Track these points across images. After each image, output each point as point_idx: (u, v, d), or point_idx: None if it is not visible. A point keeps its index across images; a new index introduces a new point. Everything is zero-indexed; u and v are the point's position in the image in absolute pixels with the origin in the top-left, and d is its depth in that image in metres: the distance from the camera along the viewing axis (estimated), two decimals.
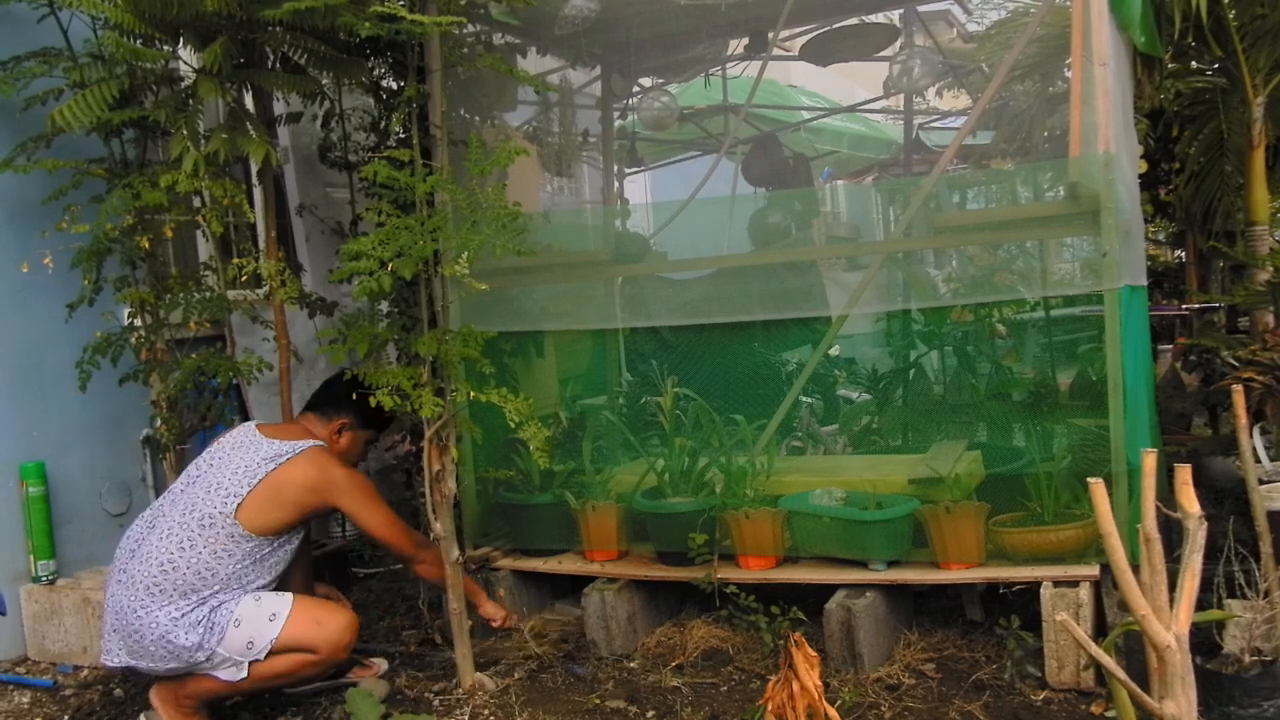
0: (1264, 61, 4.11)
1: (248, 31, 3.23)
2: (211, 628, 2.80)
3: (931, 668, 3.03)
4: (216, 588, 2.84)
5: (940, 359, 4.36)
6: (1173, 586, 1.91)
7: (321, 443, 3.10)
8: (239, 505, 2.88)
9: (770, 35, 4.86)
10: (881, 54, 5.69)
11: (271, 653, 2.82)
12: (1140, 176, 4.02)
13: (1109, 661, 1.91)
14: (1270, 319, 4.08)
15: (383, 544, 3.16)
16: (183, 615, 2.80)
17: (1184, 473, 1.96)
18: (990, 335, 4.45)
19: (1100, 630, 2.89)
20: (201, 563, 2.83)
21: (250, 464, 2.95)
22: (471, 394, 3.04)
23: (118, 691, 3.32)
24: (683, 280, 4.06)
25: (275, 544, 2.95)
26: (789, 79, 9.44)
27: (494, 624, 3.36)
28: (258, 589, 2.91)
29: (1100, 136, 2.90)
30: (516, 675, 3.23)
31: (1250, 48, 4.10)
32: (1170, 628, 1.87)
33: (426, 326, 3.12)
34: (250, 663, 2.81)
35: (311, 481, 2.98)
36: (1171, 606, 1.89)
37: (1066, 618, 1.96)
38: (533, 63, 4.84)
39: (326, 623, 2.90)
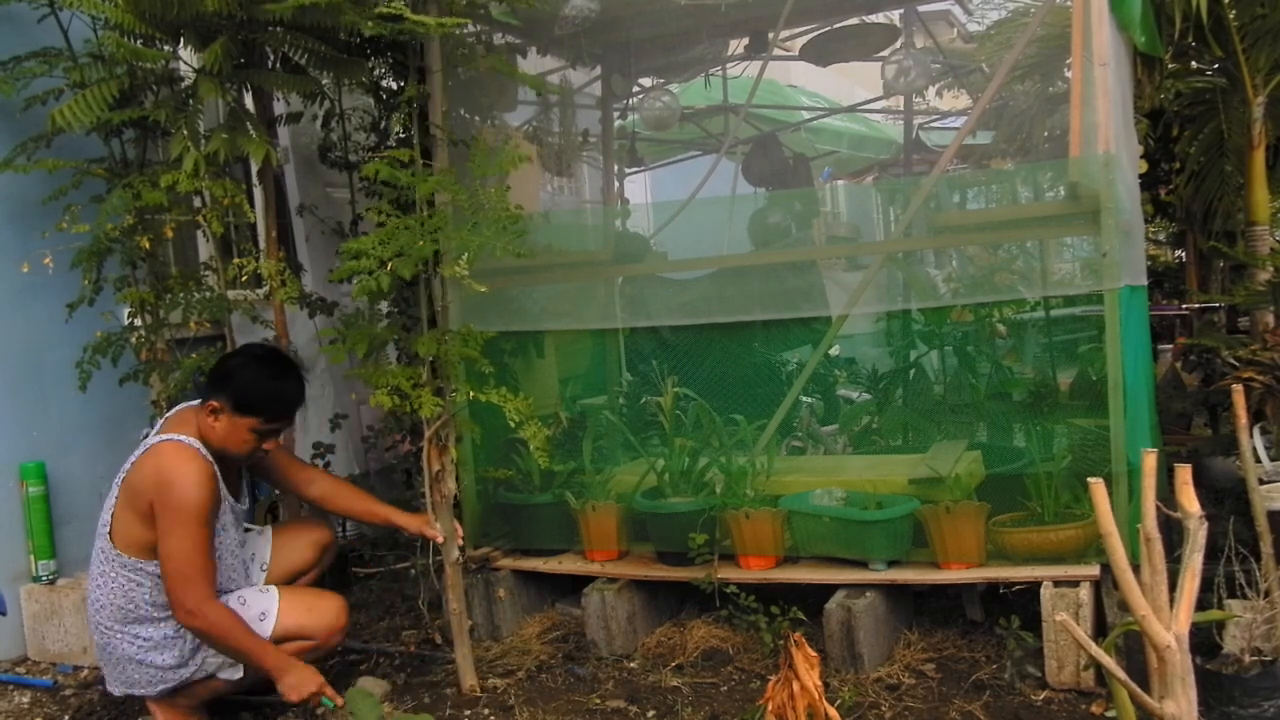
0: (1264, 61, 4.11)
1: (248, 31, 3.23)
2: (190, 638, 2.75)
3: (931, 668, 3.03)
4: (156, 612, 2.74)
5: (940, 359, 4.36)
6: (1173, 586, 1.91)
7: (178, 437, 2.75)
8: (110, 530, 2.73)
9: (770, 35, 4.86)
10: (882, 54, 5.69)
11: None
12: (1140, 176, 4.02)
13: (1109, 661, 1.91)
14: (1270, 319, 4.08)
15: (164, 570, 2.65)
16: (147, 639, 2.73)
17: (1184, 473, 1.96)
18: (990, 335, 4.45)
19: (1100, 630, 2.89)
20: (120, 593, 2.74)
21: (117, 480, 2.78)
22: (471, 394, 3.05)
23: None
24: (683, 280, 4.06)
25: None
26: (789, 79, 9.45)
27: (288, 698, 2.75)
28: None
29: (1100, 136, 2.90)
30: (517, 675, 3.23)
31: (1250, 48, 4.10)
32: (1170, 628, 1.86)
33: (426, 326, 3.12)
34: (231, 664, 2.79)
35: (152, 480, 2.67)
36: (1171, 606, 1.89)
37: (1066, 618, 1.96)
38: (533, 63, 4.84)
39: (318, 609, 2.92)
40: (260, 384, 2.77)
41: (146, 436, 2.89)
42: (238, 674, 2.80)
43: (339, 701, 2.77)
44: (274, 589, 2.93)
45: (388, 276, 2.73)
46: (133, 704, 3.18)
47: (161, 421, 2.92)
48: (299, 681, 2.73)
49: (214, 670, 2.80)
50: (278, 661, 2.75)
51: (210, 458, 2.77)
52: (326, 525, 3.32)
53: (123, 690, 2.83)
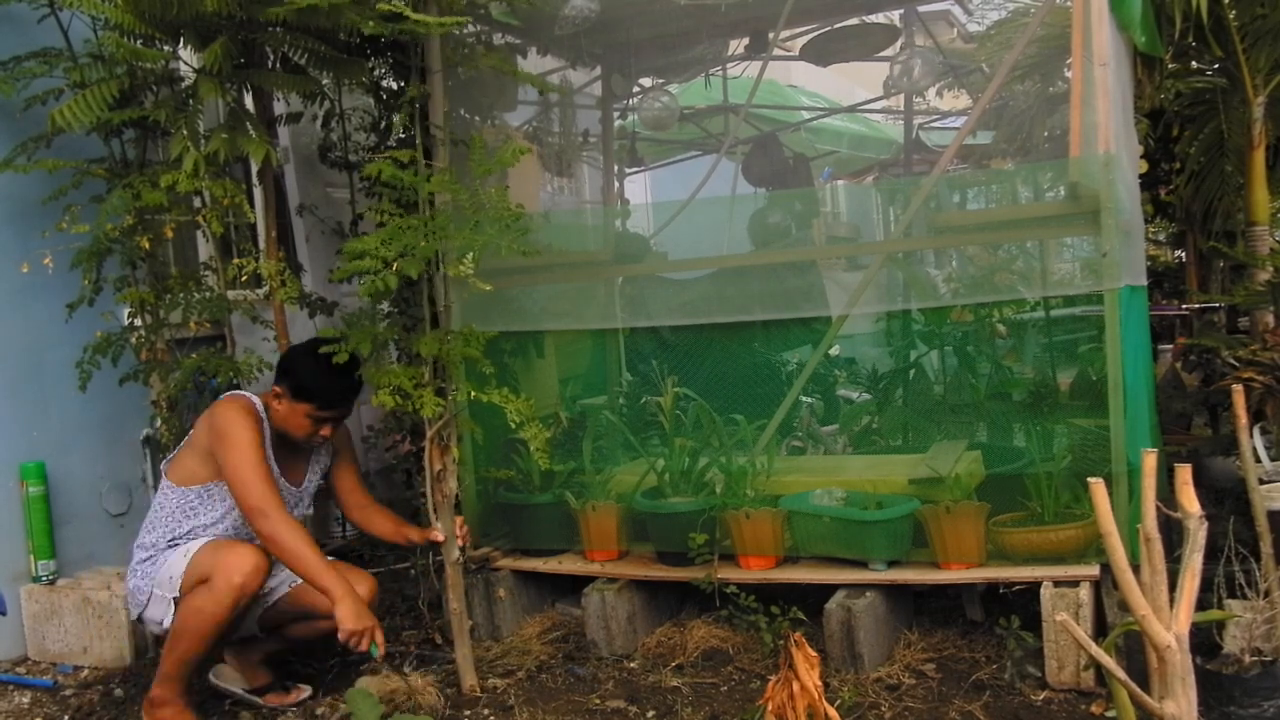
0: (1264, 61, 4.11)
1: (248, 31, 3.23)
2: (152, 566, 2.99)
3: (931, 668, 3.04)
4: (160, 538, 3.01)
5: (940, 359, 4.37)
6: (1173, 586, 1.91)
7: (242, 392, 3.12)
8: (169, 462, 3.11)
9: (770, 35, 4.86)
10: (882, 54, 5.69)
11: (187, 588, 2.89)
12: (1140, 176, 4.02)
13: (1109, 661, 1.91)
14: (1270, 319, 4.08)
15: (233, 492, 2.90)
16: (138, 563, 3.04)
17: (1184, 472, 1.96)
18: (990, 335, 4.45)
19: (1100, 630, 2.89)
20: (152, 514, 3.08)
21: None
22: (473, 394, 3.05)
23: (118, 692, 3.32)
24: (683, 280, 4.06)
25: (201, 497, 3.03)
26: (789, 79, 9.45)
27: (350, 638, 2.73)
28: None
29: (1100, 136, 2.90)
30: (517, 675, 3.23)
31: (1250, 48, 4.10)
32: (1170, 628, 1.87)
33: (428, 326, 3.12)
34: (173, 600, 2.91)
35: (207, 420, 3.02)
36: (1171, 606, 1.89)
37: (1066, 618, 1.96)
38: (533, 63, 4.84)
39: (225, 552, 2.87)
40: (313, 375, 3.01)
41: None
42: (169, 613, 2.90)
43: (383, 651, 2.79)
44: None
45: (394, 277, 2.75)
46: (132, 704, 3.19)
47: None
48: (358, 611, 2.75)
49: (156, 606, 2.95)
50: (337, 585, 2.76)
51: (265, 416, 3.07)
52: (372, 585, 3.11)
53: (135, 611, 3.09)
